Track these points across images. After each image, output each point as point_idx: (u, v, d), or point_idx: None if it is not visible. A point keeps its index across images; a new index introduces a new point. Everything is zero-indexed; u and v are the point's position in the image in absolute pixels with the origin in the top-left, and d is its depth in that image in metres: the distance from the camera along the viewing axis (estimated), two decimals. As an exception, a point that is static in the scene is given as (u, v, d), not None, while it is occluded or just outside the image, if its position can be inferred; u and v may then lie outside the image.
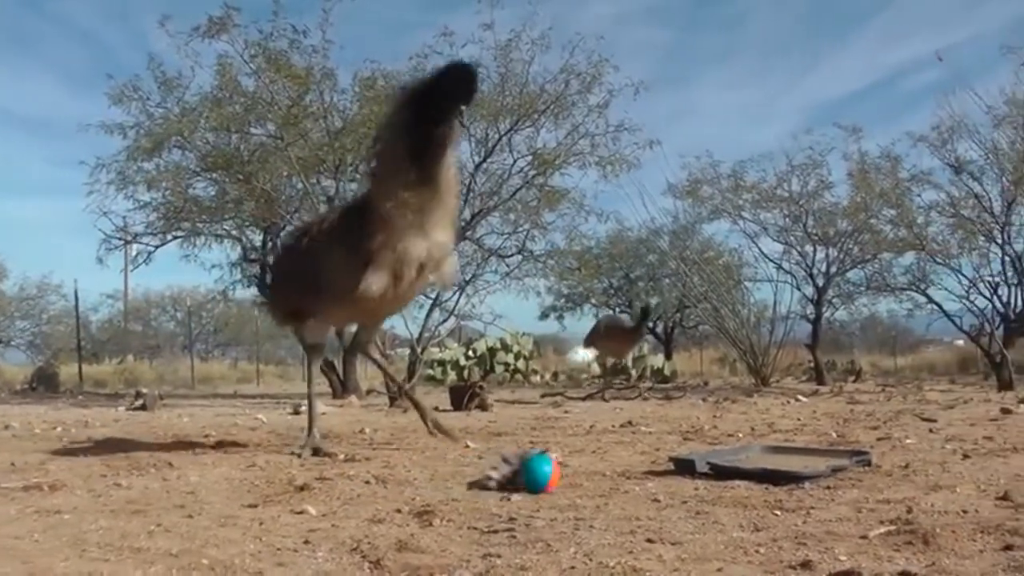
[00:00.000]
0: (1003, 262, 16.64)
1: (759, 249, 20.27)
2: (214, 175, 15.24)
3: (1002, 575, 2.51)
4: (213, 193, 15.77)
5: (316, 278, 5.60)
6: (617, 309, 31.63)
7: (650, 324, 15.87)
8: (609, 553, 2.82)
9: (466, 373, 15.57)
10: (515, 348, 21.10)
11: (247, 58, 13.26)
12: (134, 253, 17.66)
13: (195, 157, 14.97)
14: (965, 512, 3.42)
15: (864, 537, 2.99)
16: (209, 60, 13.86)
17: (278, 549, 2.96)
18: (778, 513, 3.48)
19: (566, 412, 10.55)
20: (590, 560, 2.74)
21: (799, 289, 20.13)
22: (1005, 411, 8.95)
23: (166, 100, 14.72)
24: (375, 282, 5.18)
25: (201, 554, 2.85)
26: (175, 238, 16.36)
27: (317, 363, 6.93)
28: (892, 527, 3.12)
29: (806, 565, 2.60)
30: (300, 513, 3.62)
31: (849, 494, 3.91)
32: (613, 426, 8.01)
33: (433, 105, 4.84)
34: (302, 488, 4.20)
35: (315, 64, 13.41)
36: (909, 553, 2.77)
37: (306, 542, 3.05)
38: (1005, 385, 14.77)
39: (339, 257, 5.38)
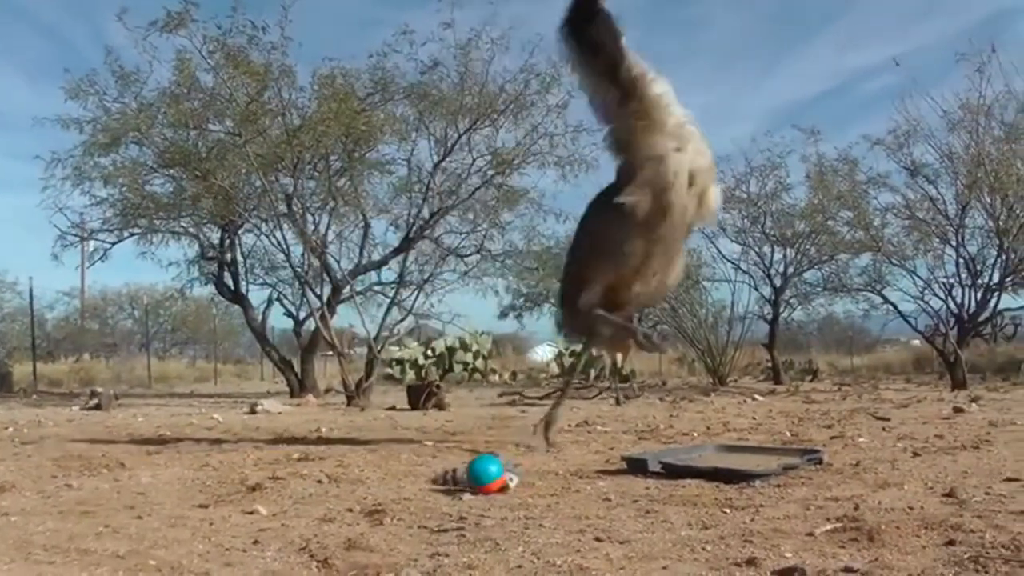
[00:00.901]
0: (957, 264, 16.85)
1: (717, 249, 20.39)
2: (171, 172, 15.10)
3: (942, 569, 2.54)
4: (171, 190, 15.61)
5: (594, 242, 5.53)
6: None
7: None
8: (557, 552, 2.83)
9: (424, 372, 15.59)
10: (474, 347, 21.18)
11: (205, 54, 13.16)
12: (90, 250, 17.46)
13: (152, 153, 14.83)
14: (911, 509, 3.46)
15: (810, 534, 3.02)
16: (167, 55, 13.74)
17: (227, 549, 2.95)
18: (727, 511, 3.50)
19: (523, 412, 10.57)
20: (538, 559, 2.75)
21: (757, 289, 20.29)
22: (957, 410, 9.05)
23: (123, 95, 14.56)
24: (635, 195, 5.01)
25: (149, 555, 2.84)
26: (132, 235, 16.18)
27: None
28: (838, 524, 3.15)
29: (751, 562, 2.63)
30: (251, 513, 3.61)
31: (798, 492, 3.94)
32: (569, 425, 8.03)
33: (578, 28, 5.10)
34: (254, 488, 4.19)
35: (274, 61, 13.31)
36: (853, 550, 2.80)
37: (255, 542, 3.04)
38: (959, 384, 14.92)
39: (606, 210, 5.27)
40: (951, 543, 2.84)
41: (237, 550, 2.93)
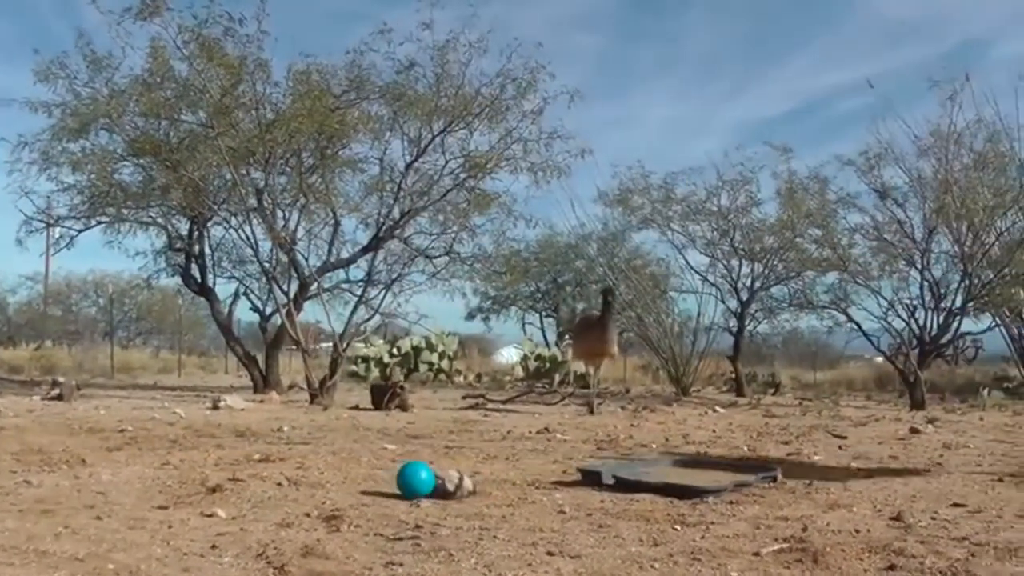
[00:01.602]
0: (921, 287, 16.93)
1: (686, 260, 20.49)
2: (141, 161, 15.01)
3: (880, 594, 2.61)
4: (140, 179, 15.51)
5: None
6: (543, 313, 31.81)
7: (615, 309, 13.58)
8: (509, 565, 2.89)
9: (389, 370, 15.59)
10: (440, 347, 21.20)
11: (180, 43, 13.11)
12: (56, 236, 17.31)
13: (122, 141, 14.74)
14: (857, 531, 3.53)
15: (757, 554, 3.09)
16: (141, 42, 13.65)
17: (185, 554, 2.98)
18: (678, 528, 3.57)
19: (485, 416, 10.61)
20: (489, 572, 2.81)
21: (723, 302, 20.36)
22: (914, 431, 9.15)
23: (94, 80, 14.43)
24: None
25: (108, 559, 2.86)
26: (99, 223, 16.06)
27: None
28: (785, 544, 3.22)
29: (697, 582, 2.69)
30: (210, 516, 3.64)
31: (750, 510, 4.01)
32: (530, 432, 8.09)
33: None
34: (214, 490, 4.22)
35: (249, 54, 13.26)
36: (797, 571, 2.88)
37: (213, 547, 3.08)
38: (917, 405, 15.05)
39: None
40: (892, 568, 2.93)
41: (195, 555, 2.96)
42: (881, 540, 3.34)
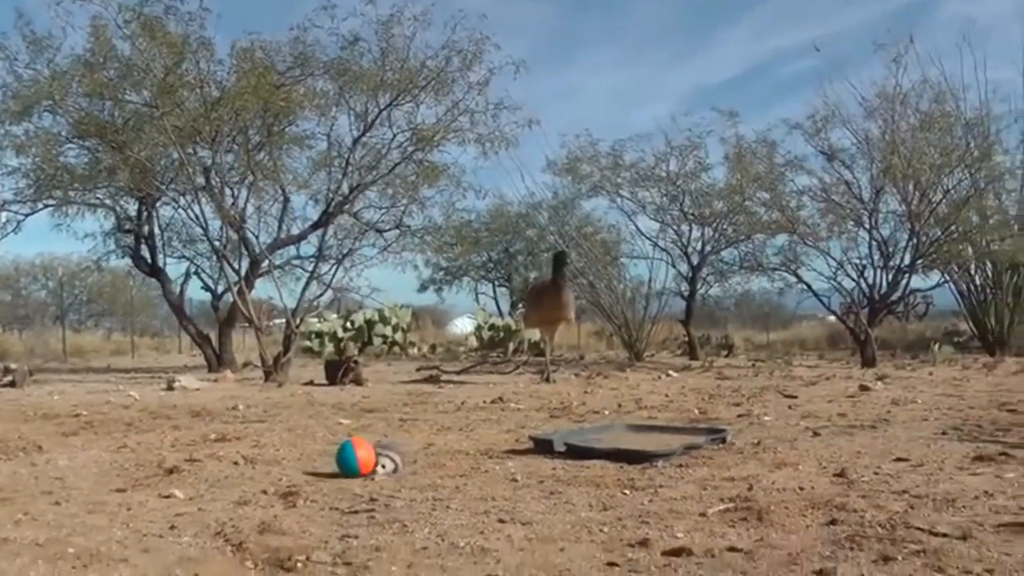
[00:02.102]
0: (870, 246, 17.13)
1: (636, 227, 20.61)
2: (87, 143, 14.91)
3: (820, 548, 2.69)
4: (86, 161, 15.39)
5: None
6: (496, 283, 31.83)
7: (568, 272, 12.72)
8: (461, 533, 2.94)
9: (343, 345, 15.58)
10: (393, 320, 21.15)
11: (121, 23, 12.99)
12: (2, 221, 17.11)
13: (67, 123, 14.62)
14: (802, 489, 3.63)
15: (703, 515, 3.17)
16: (81, 22, 13.50)
17: (144, 535, 3.01)
18: (627, 492, 3.64)
19: (440, 387, 10.66)
20: (442, 540, 2.86)
21: (674, 267, 20.51)
22: (863, 388, 9.31)
23: (36, 61, 14.24)
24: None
25: (68, 543, 2.87)
26: (46, 207, 15.93)
27: None
28: (731, 504, 3.31)
29: (644, 543, 2.76)
30: (168, 497, 3.67)
31: (698, 472, 4.09)
32: (484, 402, 8.16)
33: None
34: (171, 471, 4.24)
35: (192, 32, 13.18)
36: (742, 529, 2.95)
37: (172, 527, 3.10)
38: (868, 362, 15.26)
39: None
40: (833, 522, 3.01)
41: (154, 535, 2.99)
42: (824, 496, 3.43)
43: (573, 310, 12.49)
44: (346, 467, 4.12)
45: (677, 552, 2.64)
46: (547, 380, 11.52)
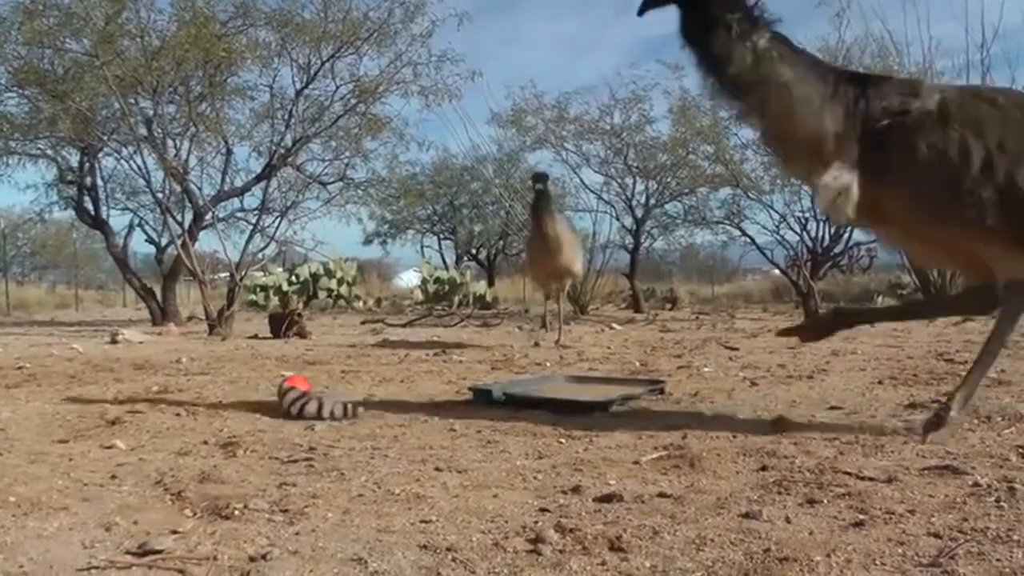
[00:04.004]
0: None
1: (580, 180, 20.68)
2: (26, 91, 14.72)
3: (749, 492, 2.75)
4: (26, 110, 15.22)
5: None
6: (441, 236, 31.79)
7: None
8: (397, 481, 2.98)
9: (287, 299, 15.54)
10: (339, 274, 21.09)
11: (60, -32, 12.85)
12: (-60, 170, 16.86)
13: (5, 72, 14.44)
14: (735, 437, 3.68)
15: (636, 463, 3.21)
16: (21, -32, 13.33)
17: (85, 484, 3.02)
18: (563, 441, 3.69)
19: (384, 340, 10.66)
20: (378, 488, 2.89)
21: (619, 220, 20.61)
22: (804, 340, 9.38)
23: (-28, 8, 14.09)
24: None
25: (9, 492, 2.87)
26: (-15, 157, 15.77)
27: None
28: (664, 452, 3.36)
29: (576, 490, 2.80)
30: (109, 448, 3.67)
31: (634, 422, 4.14)
32: (426, 355, 8.18)
33: None
34: (113, 422, 4.24)
35: (132, -20, 13.05)
36: (674, 476, 3.01)
37: (113, 476, 3.12)
38: (811, 314, 15.43)
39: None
40: (764, 468, 3.07)
41: (95, 485, 3.00)
42: (756, 444, 3.49)
43: (572, 250, 9.41)
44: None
45: (608, 498, 2.69)
46: (557, 342, 9.69)
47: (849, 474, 2.93)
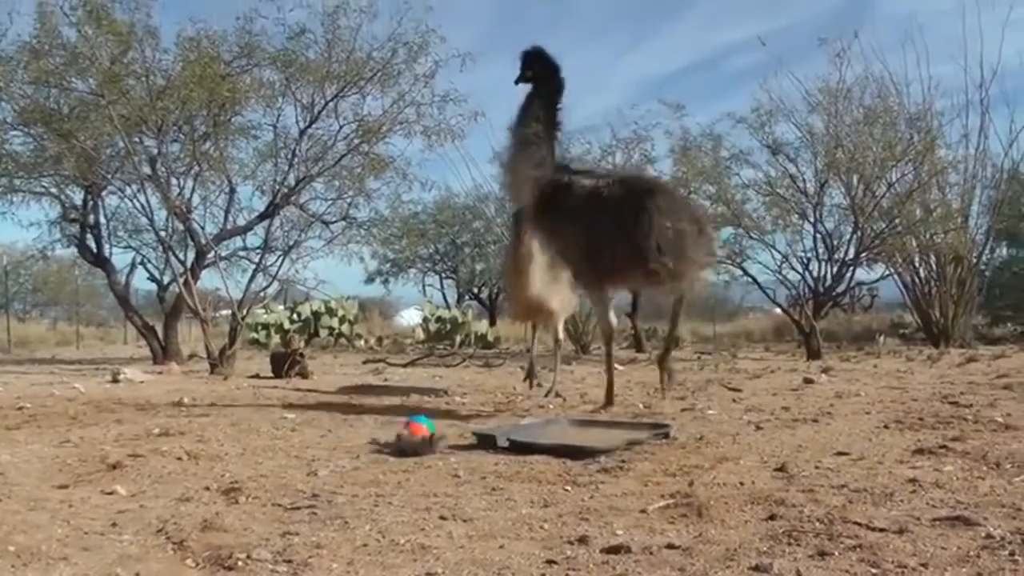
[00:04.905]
0: (815, 239, 17.30)
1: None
2: (32, 130, 14.72)
3: (758, 543, 2.72)
4: (31, 148, 15.22)
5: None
6: (443, 274, 31.80)
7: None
8: (402, 531, 2.94)
9: (289, 337, 15.52)
10: (340, 312, 21.13)
11: (67, 9, 12.90)
12: (-54, 208, 16.84)
13: (12, 110, 14.44)
14: (742, 484, 3.65)
15: (643, 511, 3.18)
16: (28, 7, 13.39)
17: (85, 533, 2.98)
18: (569, 488, 3.65)
19: (386, 380, 10.64)
20: (383, 537, 2.86)
21: (621, 260, 20.54)
22: (807, 381, 9.39)
23: (-20, 47, 14.13)
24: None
25: (8, 541, 2.84)
26: (-10, 194, 15.78)
27: None
28: (671, 500, 3.33)
29: (583, 540, 2.77)
30: (110, 494, 3.63)
31: (640, 467, 4.11)
32: (429, 397, 8.15)
33: None
34: (114, 466, 4.20)
35: (137, 20, 13.10)
36: (681, 526, 2.97)
37: (113, 524, 3.08)
38: (813, 354, 15.45)
39: None
40: (772, 517, 3.04)
41: (95, 533, 2.97)
42: (764, 491, 3.46)
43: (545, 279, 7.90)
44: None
45: (616, 550, 2.66)
46: (529, 383, 8.96)
47: (859, 524, 2.90)
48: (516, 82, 6.43)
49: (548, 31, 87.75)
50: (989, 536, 2.74)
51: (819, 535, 2.78)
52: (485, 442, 4.78)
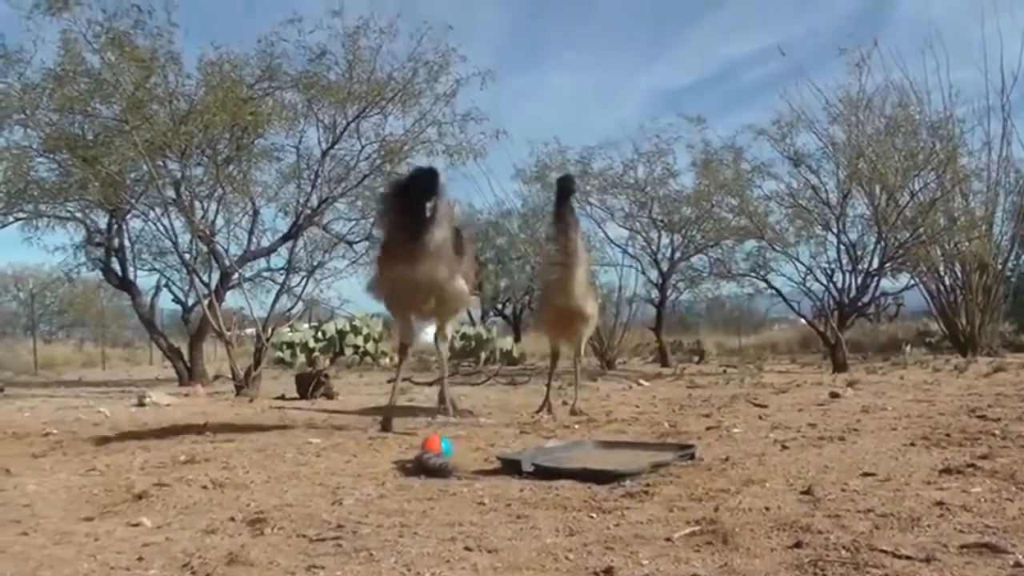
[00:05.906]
0: (838, 250, 17.27)
1: (605, 234, 20.64)
2: (57, 156, 14.82)
3: (784, 572, 2.71)
4: (56, 174, 15.33)
5: None
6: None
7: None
8: (427, 563, 2.94)
9: (314, 357, 15.55)
10: (365, 330, 21.16)
11: (90, 37, 12.99)
12: (-28, 234, 17.01)
13: (37, 137, 14.55)
14: (768, 509, 3.64)
15: (669, 539, 3.17)
16: (52, 35, 13.49)
17: (112, 568, 3.00)
18: (594, 515, 3.65)
19: (411, 400, 10.64)
20: (408, 570, 2.86)
21: (644, 273, 20.58)
22: (834, 395, 9.36)
23: (6, 74, 14.18)
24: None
25: (35, 577, 2.87)
26: (17, 220, 15.87)
27: None
28: (697, 527, 3.32)
29: (608, 571, 2.77)
30: (136, 525, 3.65)
31: (666, 491, 4.10)
32: (455, 420, 8.15)
33: None
34: (140, 496, 4.21)
35: (160, 47, 13.18)
36: (707, 554, 2.96)
37: (140, 559, 3.10)
38: (839, 367, 15.39)
39: None
40: (798, 545, 3.02)
41: (121, 568, 2.98)
42: (790, 516, 3.45)
43: (581, 292, 8.12)
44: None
45: (641, 582, 2.66)
46: (547, 410, 8.56)
47: (886, 552, 2.88)
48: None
49: (565, 46, 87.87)
50: (1018, 564, 2.73)
51: (845, 564, 2.76)
52: (510, 467, 4.78)
